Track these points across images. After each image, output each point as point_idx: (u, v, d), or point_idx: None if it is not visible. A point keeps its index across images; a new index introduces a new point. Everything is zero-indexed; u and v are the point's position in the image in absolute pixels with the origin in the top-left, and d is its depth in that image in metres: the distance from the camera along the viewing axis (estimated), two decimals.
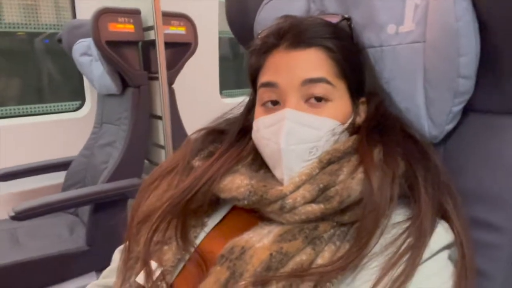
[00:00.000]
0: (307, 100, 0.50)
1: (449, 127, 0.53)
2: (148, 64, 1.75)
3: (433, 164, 0.48)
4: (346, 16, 0.56)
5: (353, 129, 0.53)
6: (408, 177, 0.47)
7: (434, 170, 0.48)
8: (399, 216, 0.46)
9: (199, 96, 2.14)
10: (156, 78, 1.62)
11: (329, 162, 0.48)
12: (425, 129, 0.55)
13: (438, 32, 0.48)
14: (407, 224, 0.44)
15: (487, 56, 0.47)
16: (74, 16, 2.06)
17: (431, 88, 0.52)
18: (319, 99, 0.50)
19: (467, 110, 0.53)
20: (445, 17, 0.46)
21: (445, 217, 0.46)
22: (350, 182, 0.45)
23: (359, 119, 0.54)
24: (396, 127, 0.53)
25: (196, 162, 0.57)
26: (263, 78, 0.53)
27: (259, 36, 0.55)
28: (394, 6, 0.56)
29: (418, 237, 0.42)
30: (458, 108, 0.51)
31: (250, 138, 0.57)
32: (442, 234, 0.45)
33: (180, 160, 0.59)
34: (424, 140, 0.53)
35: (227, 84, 2.55)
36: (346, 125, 0.52)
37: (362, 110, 0.55)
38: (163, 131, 1.63)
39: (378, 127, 0.52)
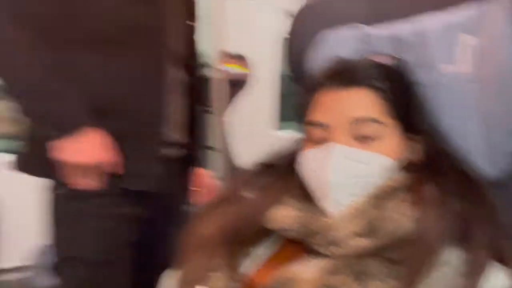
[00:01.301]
0: (356, 138, 0.51)
1: (507, 167, 0.51)
2: (205, 98, 1.85)
3: (489, 204, 0.47)
4: (397, 56, 0.58)
5: (406, 167, 0.53)
6: (462, 217, 0.46)
7: (490, 211, 0.46)
8: (451, 256, 0.44)
9: (255, 130, 2.21)
10: (211, 112, 1.70)
11: (379, 197, 0.49)
12: (481, 168, 0.53)
13: (492, 73, 0.48)
14: (459, 265, 0.43)
15: None
16: None
17: (489, 128, 0.51)
18: (370, 137, 0.51)
19: None
20: (499, 57, 0.46)
21: (502, 261, 0.44)
22: (401, 219, 0.45)
23: (413, 157, 0.54)
24: (450, 165, 0.52)
25: (247, 194, 0.60)
26: (312, 116, 0.55)
27: (311, 75, 0.58)
28: (447, 46, 0.57)
29: (471, 279, 0.41)
30: None
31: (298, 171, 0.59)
32: (498, 278, 0.42)
33: (231, 191, 0.62)
34: (480, 179, 0.51)
35: (286, 119, 2.60)
36: (398, 162, 0.52)
37: (416, 148, 0.55)
38: (215, 162, 1.69)
39: (432, 165, 0.52)
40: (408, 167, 0.52)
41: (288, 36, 0.75)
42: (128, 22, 0.91)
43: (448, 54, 0.57)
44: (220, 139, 1.67)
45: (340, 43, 0.72)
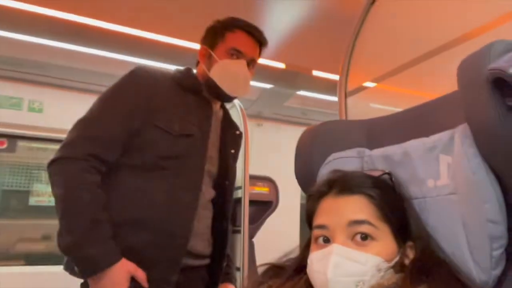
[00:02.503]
0: (353, 238, 0.59)
1: (496, 272, 0.55)
2: (234, 218, 1.95)
3: None
4: (387, 171, 0.68)
5: (400, 269, 0.58)
6: None
7: None
8: None
9: (281, 250, 2.21)
10: (239, 231, 1.78)
11: None
12: (473, 274, 0.57)
13: (464, 185, 0.57)
14: None
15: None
16: None
17: (470, 234, 0.57)
18: (364, 237, 0.58)
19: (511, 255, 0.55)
20: (465, 171, 0.56)
21: None
22: None
23: (407, 261, 0.60)
24: (442, 270, 0.57)
25: None
26: (317, 221, 0.64)
27: (314, 186, 0.69)
28: (431, 164, 0.67)
29: None
30: (497, 252, 0.54)
31: (306, 273, 0.64)
32: None
33: None
34: (473, 284, 0.55)
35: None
36: (392, 263, 0.58)
37: (410, 252, 0.61)
38: (240, 282, 1.69)
39: (423, 268, 0.57)
40: (401, 268, 0.58)
41: (297, 155, 0.88)
42: (176, 153, 1.11)
43: (432, 171, 0.66)
44: (246, 258, 1.70)
45: (344, 162, 0.84)
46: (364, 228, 0.58)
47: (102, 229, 0.98)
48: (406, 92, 1.29)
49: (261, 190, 1.96)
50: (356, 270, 0.55)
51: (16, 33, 2.05)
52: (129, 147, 1.09)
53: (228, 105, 2.21)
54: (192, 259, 1.12)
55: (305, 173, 0.86)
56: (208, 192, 1.20)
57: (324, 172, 0.86)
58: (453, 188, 0.61)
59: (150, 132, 1.10)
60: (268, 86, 2.54)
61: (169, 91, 1.17)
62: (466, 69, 0.54)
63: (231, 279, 1.33)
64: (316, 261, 0.60)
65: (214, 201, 1.24)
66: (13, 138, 2.61)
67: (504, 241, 0.54)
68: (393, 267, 0.58)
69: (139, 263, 1.01)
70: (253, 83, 2.71)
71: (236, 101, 2.15)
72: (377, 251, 0.57)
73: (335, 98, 1.50)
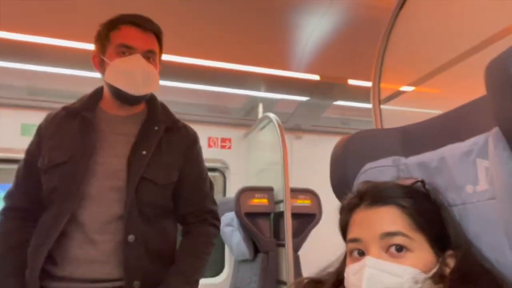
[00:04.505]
0: (387, 250, 0.58)
1: None
2: (278, 232, 1.96)
3: None
4: (420, 179, 0.67)
5: (440, 280, 0.57)
6: None
7: None
8: None
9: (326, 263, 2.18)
10: (283, 245, 1.78)
11: None
12: None
13: (501, 189, 0.55)
14: None
15: None
16: (224, 194, 2.53)
17: (510, 239, 0.55)
18: (399, 249, 0.57)
19: None
20: (502, 175, 0.54)
21: None
22: None
23: (447, 270, 0.58)
24: (485, 278, 0.54)
25: None
26: (350, 234, 0.64)
27: (346, 198, 0.69)
28: (468, 169, 0.65)
29: None
30: None
31: (344, 287, 0.64)
32: None
33: None
34: None
35: None
36: (430, 274, 0.56)
37: (450, 261, 0.59)
38: None
39: (466, 278, 0.55)
40: (440, 278, 0.56)
41: (332, 166, 0.89)
42: (52, 186, 1.17)
43: (470, 176, 0.64)
44: (292, 271, 1.70)
45: (379, 171, 0.84)
46: (398, 240, 0.57)
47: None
48: (444, 95, 1.25)
49: (303, 203, 1.96)
50: (391, 282, 0.55)
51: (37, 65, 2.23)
52: None
53: (265, 120, 2.25)
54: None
55: (340, 183, 0.87)
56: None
57: (358, 184, 0.85)
58: (492, 193, 0.59)
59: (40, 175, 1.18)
60: (304, 98, 2.55)
61: (51, 128, 1.21)
62: (493, 71, 0.53)
63: None
64: (351, 274, 0.60)
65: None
66: None
67: None
68: (431, 278, 0.56)
69: None
70: (289, 96, 2.75)
71: (272, 115, 2.19)
72: (413, 263, 0.56)
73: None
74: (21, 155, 1.24)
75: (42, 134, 1.21)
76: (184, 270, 1.17)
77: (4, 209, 1.21)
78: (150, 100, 1.28)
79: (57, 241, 1.09)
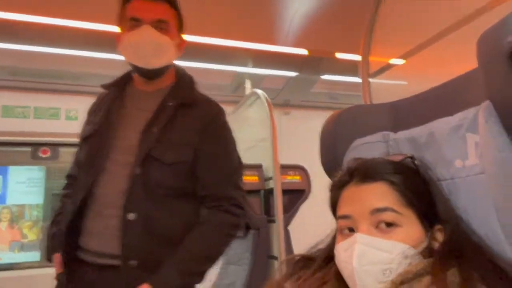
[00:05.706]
0: (377, 226, 0.58)
1: None
2: (268, 209, 1.97)
3: None
4: (409, 155, 0.66)
5: (429, 254, 0.57)
6: None
7: None
8: None
9: (317, 237, 2.22)
10: (274, 221, 1.80)
11: (402, 283, 0.53)
12: (507, 254, 0.55)
13: (491, 164, 0.54)
14: None
15: None
16: None
17: (501, 214, 0.55)
18: (388, 225, 0.57)
19: None
20: (491, 150, 0.53)
21: None
22: None
23: (436, 245, 0.58)
24: (473, 252, 0.55)
25: (287, 285, 0.66)
26: (340, 211, 0.64)
27: (336, 175, 0.68)
28: (457, 144, 0.64)
29: None
30: None
31: (334, 263, 0.64)
32: None
33: (275, 283, 0.69)
34: (508, 266, 0.53)
35: None
36: (420, 249, 0.56)
37: (439, 236, 0.59)
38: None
39: (455, 252, 0.55)
40: (430, 253, 0.56)
41: (321, 142, 0.88)
42: (81, 159, 1.21)
43: (459, 151, 0.64)
44: (283, 246, 1.72)
45: (369, 147, 0.83)
46: (388, 216, 0.57)
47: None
48: (434, 69, 1.24)
49: (293, 179, 1.96)
50: (382, 258, 0.55)
51: (51, 47, 2.14)
52: None
53: (253, 96, 2.21)
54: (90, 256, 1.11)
55: (330, 160, 0.86)
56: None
57: (347, 160, 0.85)
58: (482, 167, 0.58)
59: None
60: (293, 74, 2.52)
61: (94, 105, 1.28)
62: (485, 44, 0.51)
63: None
64: (342, 251, 0.60)
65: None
66: (54, 146, 2.80)
67: None
68: (421, 252, 0.56)
69: None
70: (277, 72, 2.71)
71: (260, 91, 2.16)
72: (403, 238, 0.56)
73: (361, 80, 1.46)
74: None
75: (89, 111, 1.28)
76: (180, 259, 1.07)
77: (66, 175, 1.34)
78: (178, 74, 1.25)
79: (78, 212, 1.12)
